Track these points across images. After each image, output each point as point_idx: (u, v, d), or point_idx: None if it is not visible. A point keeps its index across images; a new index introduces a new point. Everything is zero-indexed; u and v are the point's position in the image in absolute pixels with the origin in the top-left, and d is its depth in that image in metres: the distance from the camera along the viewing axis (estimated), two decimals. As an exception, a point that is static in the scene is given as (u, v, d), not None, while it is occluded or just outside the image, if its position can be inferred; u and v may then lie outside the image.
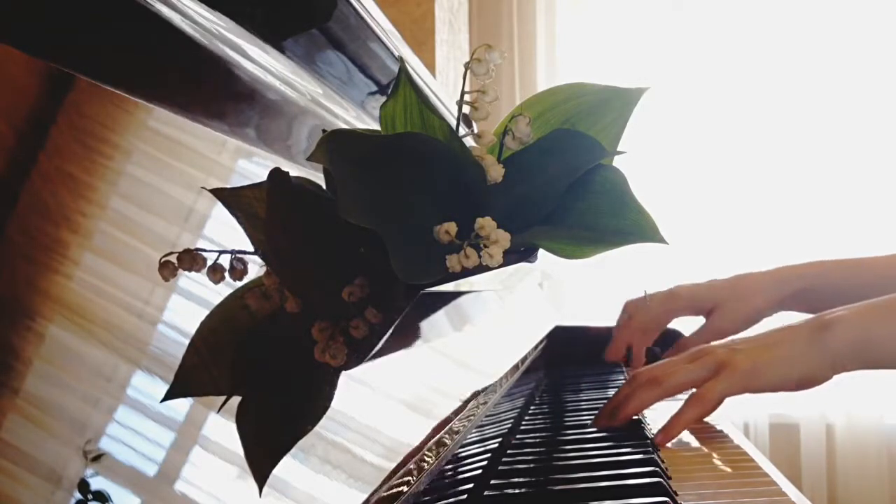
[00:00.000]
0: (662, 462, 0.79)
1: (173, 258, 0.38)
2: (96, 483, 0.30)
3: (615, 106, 0.51)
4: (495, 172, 0.47)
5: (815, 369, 0.90)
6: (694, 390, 0.92)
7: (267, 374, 0.42)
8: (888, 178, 2.52)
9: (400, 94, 0.46)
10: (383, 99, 0.48)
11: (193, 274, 0.39)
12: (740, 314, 1.18)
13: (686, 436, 0.95)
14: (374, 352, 0.42)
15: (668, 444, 0.89)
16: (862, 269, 1.16)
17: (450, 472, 0.62)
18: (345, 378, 0.43)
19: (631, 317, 1.23)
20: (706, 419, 1.01)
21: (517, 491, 0.73)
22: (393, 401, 0.55)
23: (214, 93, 0.48)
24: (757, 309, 1.16)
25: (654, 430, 0.91)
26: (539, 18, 2.71)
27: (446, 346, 0.67)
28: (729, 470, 0.80)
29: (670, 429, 0.90)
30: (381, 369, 0.51)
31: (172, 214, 0.42)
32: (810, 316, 0.95)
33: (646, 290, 1.26)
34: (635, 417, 0.94)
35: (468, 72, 0.48)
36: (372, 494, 0.43)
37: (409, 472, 0.48)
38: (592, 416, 1.00)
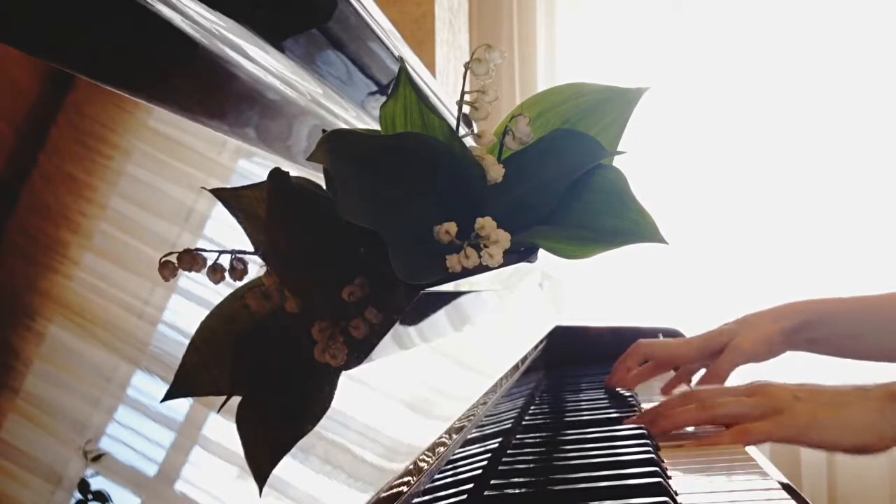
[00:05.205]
0: (662, 462, 0.79)
1: (173, 258, 0.38)
2: (96, 483, 0.30)
3: (615, 106, 0.51)
4: (495, 172, 0.47)
5: (875, 439, 0.86)
6: None
7: (267, 374, 0.42)
8: (889, 177, 2.52)
9: (400, 94, 0.46)
10: (383, 99, 0.48)
11: (193, 274, 0.39)
12: (758, 337, 1.16)
13: (686, 435, 0.95)
14: (374, 352, 0.42)
15: (668, 443, 0.89)
16: (861, 306, 1.16)
17: (450, 472, 0.62)
18: (345, 378, 0.43)
19: (638, 346, 1.22)
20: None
21: (517, 491, 0.73)
22: (393, 401, 0.55)
23: (214, 93, 0.48)
24: (768, 336, 1.15)
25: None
26: (539, 18, 2.71)
27: (446, 346, 0.67)
28: (729, 470, 0.80)
29: (702, 442, 0.89)
30: (381, 369, 0.51)
31: (172, 214, 0.42)
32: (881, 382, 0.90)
33: (660, 334, 1.28)
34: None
35: (468, 72, 0.48)
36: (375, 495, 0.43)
37: (409, 472, 0.48)
38: (592, 416, 1.00)
